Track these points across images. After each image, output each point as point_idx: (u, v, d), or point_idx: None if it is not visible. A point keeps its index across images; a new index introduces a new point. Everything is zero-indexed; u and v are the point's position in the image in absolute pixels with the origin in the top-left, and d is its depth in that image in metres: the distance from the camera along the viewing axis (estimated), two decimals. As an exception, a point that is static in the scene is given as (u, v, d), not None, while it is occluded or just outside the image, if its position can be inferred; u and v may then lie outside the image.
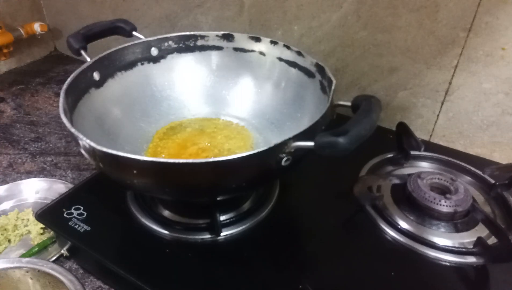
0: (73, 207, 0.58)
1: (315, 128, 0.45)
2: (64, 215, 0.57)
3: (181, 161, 0.40)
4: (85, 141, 0.43)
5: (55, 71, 1.15)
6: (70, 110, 0.52)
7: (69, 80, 0.53)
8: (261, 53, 0.67)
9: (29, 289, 0.49)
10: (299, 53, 0.62)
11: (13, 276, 0.48)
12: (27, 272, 0.48)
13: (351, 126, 0.41)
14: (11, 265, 0.48)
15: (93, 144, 0.42)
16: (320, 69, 0.58)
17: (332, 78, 0.54)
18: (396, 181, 0.59)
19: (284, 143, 0.42)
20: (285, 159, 0.43)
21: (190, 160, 0.40)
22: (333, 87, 0.52)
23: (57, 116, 0.93)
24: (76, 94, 0.55)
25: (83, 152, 0.46)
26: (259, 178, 0.47)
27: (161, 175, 0.42)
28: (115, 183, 0.50)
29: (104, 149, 0.41)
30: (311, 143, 0.41)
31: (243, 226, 0.55)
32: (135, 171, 0.42)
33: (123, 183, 0.47)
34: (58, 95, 1.01)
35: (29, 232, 0.64)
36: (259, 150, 0.41)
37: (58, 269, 0.47)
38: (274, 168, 0.44)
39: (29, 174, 0.77)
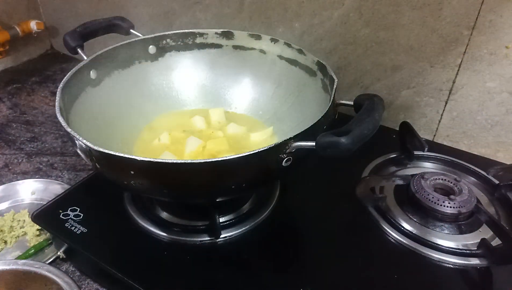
0: (69, 209, 0.57)
1: (317, 127, 0.44)
2: (61, 216, 0.56)
3: (179, 161, 0.39)
4: (81, 141, 0.41)
5: (51, 69, 1.13)
6: (67, 109, 0.50)
7: (65, 78, 0.52)
8: (262, 51, 0.66)
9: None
10: (300, 51, 0.61)
11: (9, 278, 0.47)
12: (24, 274, 0.47)
13: (353, 125, 0.40)
14: (7, 267, 0.47)
15: (89, 144, 0.41)
16: (322, 67, 0.57)
17: (334, 77, 0.52)
18: (400, 182, 0.58)
19: (285, 143, 0.41)
20: (285, 159, 0.42)
21: (188, 160, 0.39)
22: (335, 86, 0.51)
23: (53, 116, 0.92)
24: (73, 93, 0.53)
25: (79, 152, 0.45)
26: (259, 179, 0.46)
27: (159, 175, 0.41)
28: (112, 184, 0.48)
29: (101, 149, 0.40)
30: (312, 143, 0.40)
31: (243, 228, 0.54)
32: (132, 172, 0.41)
33: (120, 184, 0.46)
34: (54, 94, 1.01)
35: (25, 233, 0.63)
36: (259, 149, 0.40)
37: (54, 271, 0.46)
38: (275, 168, 0.42)
39: (25, 174, 0.75)
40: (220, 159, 0.39)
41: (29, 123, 0.90)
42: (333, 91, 0.50)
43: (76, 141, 0.43)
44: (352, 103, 0.49)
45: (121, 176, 0.43)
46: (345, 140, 0.38)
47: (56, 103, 0.47)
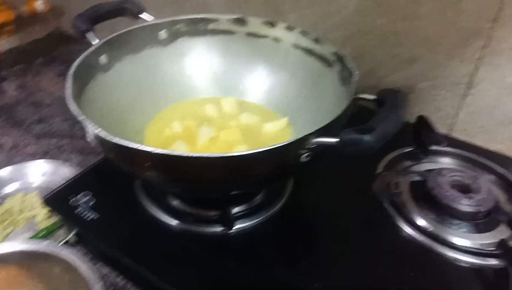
0: (80, 193, 0.56)
1: (337, 123, 0.42)
2: (71, 201, 0.56)
3: (197, 154, 0.38)
4: (95, 130, 0.40)
5: (57, 50, 1.11)
6: (77, 95, 0.49)
7: (76, 63, 0.50)
8: (276, 39, 0.64)
9: (48, 273, 0.48)
10: (316, 41, 0.59)
11: (31, 258, 0.47)
12: (46, 255, 0.47)
13: (377, 123, 0.39)
14: (31, 248, 0.47)
15: (103, 134, 0.40)
16: (340, 58, 0.55)
17: (354, 69, 0.51)
18: (417, 178, 0.56)
19: (305, 138, 0.40)
20: (305, 155, 0.40)
21: (205, 154, 0.38)
22: (355, 79, 0.49)
23: (61, 98, 0.91)
24: (83, 79, 0.52)
25: (92, 140, 0.44)
26: (276, 174, 0.45)
27: (174, 168, 0.40)
28: (124, 173, 0.48)
29: (116, 140, 0.39)
30: (334, 140, 0.39)
31: (255, 220, 0.53)
32: (147, 164, 0.40)
33: (133, 174, 0.45)
34: (61, 75, 0.99)
35: (35, 215, 0.62)
36: (279, 144, 0.38)
37: (76, 256, 0.46)
38: (294, 164, 0.42)
39: (33, 156, 0.75)
40: (238, 154, 0.37)
41: (37, 105, 0.89)
42: (353, 85, 0.48)
43: (89, 130, 0.42)
44: (373, 97, 0.47)
45: (136, 167, 0.42)
46: (369, 138, 0.37)
47: (68, 90, 0.46)
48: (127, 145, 0.38)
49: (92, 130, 0.41)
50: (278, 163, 0.41)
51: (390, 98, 0.43)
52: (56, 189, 0.58)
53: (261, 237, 0.52)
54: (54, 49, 1.12)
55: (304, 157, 0.40)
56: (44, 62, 1.06)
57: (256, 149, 0.38)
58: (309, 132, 0.39)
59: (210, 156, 0.38)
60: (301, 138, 0.39)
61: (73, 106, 0.43)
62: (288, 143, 0.39)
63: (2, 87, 0.95)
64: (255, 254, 0.50)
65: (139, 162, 0.41)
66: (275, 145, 0.38)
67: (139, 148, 0.38)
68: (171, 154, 0.38)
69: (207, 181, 0.42)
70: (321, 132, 0.40)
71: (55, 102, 0.90)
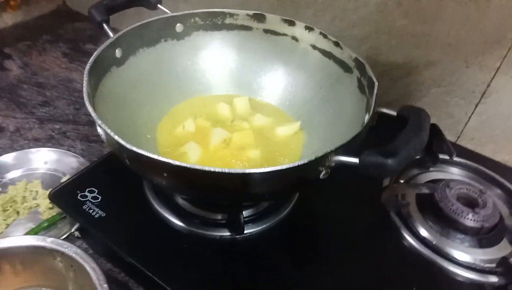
0: (87, 190, 0.56)
1: (357, 139, 0.42)
2: (78, 197, 0.55)
3: (216, 169, 0.37)
4: (113, 137, 0.39)
5: (63, 28, 1.07)
6: (92, 92, 0.48)
7: (92, 59, 0.49)
8: (294, 38, 0.62)
9: (53, 267, 0.48)
10: (336, 44, 0.58)
11: (36, 254, 0.47)
12: (50, 252, 0.47)
13: (400, 145, 0.38)
14: (36, 243, 0.47)
15: (122, 142, 0.38)
16: (360, 65, 0.54)
17: (374, 79, 0.50)
18: (425, 190, 0.56)
19: (325, 156, 0.39)
20: (323, 173, 0.40)
21: (226, 170, 0.37)
22: (375, 91, 0.48)
23: (66, 80, 0.89)
24: (98, 74, 0.51)
25: (106, 142, 0.43)
26: (292, 188, 0.45)
27: (190, 179, 0.40)
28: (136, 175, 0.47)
29: (135, 149, 0.38)
30: (356, 160, 0.38)
31: (263, 225, 0.53)
32: (165, 174, 0.39)
33: (147, 179, 0.44)
34: (66, 55, 0.97)
35: (38, 205, 0.62)
36: (299, 163, 0.38)
37: (82, 254, 0.46)
38: (312, 180, 0.41)
39: (37, 141, 0.73)
40: (258, 171, 0.37)
41: (41, 86, 0.87)
42: (374, 97, 0.47)
43: (106, 136, 0.41)
44: (394, 113, 0.46)
45: (152, 175, 0.42)
46: (391, 162, 0.36)
47: (84, 88, 0.44)
48: (144, 154, 0.38)
49: (110, 136, 0.40)
50: (296, 179, 0.41)
51: (414, 117, 0.42)
52: (61, 184, 0.57)
53: (268, 243, 0.52)
54: (60, 26, 1.08)
55: (323, 175, 0.40)
56: (49, 40, 1.02)
57: (275, 166, 0.37)
58: (330, 149, 0.39)
59: (229, 171, 0.37)
60: (321, 156, 0.39)
61: (90, 109, 0.42)
62: (309, 161, 0.38)
63: (6, 65, 0.92)
64: (262, 260, 0.50)
65: (154, 171, 0.41)
66: (295, 163, 0.38)
67: (157, 158, 0.37)
68: (190, 167, 0.37)
69: (222, 192, 0.42)
70: (341, 150, 0.39)
71: (60, 84, 0.88)
